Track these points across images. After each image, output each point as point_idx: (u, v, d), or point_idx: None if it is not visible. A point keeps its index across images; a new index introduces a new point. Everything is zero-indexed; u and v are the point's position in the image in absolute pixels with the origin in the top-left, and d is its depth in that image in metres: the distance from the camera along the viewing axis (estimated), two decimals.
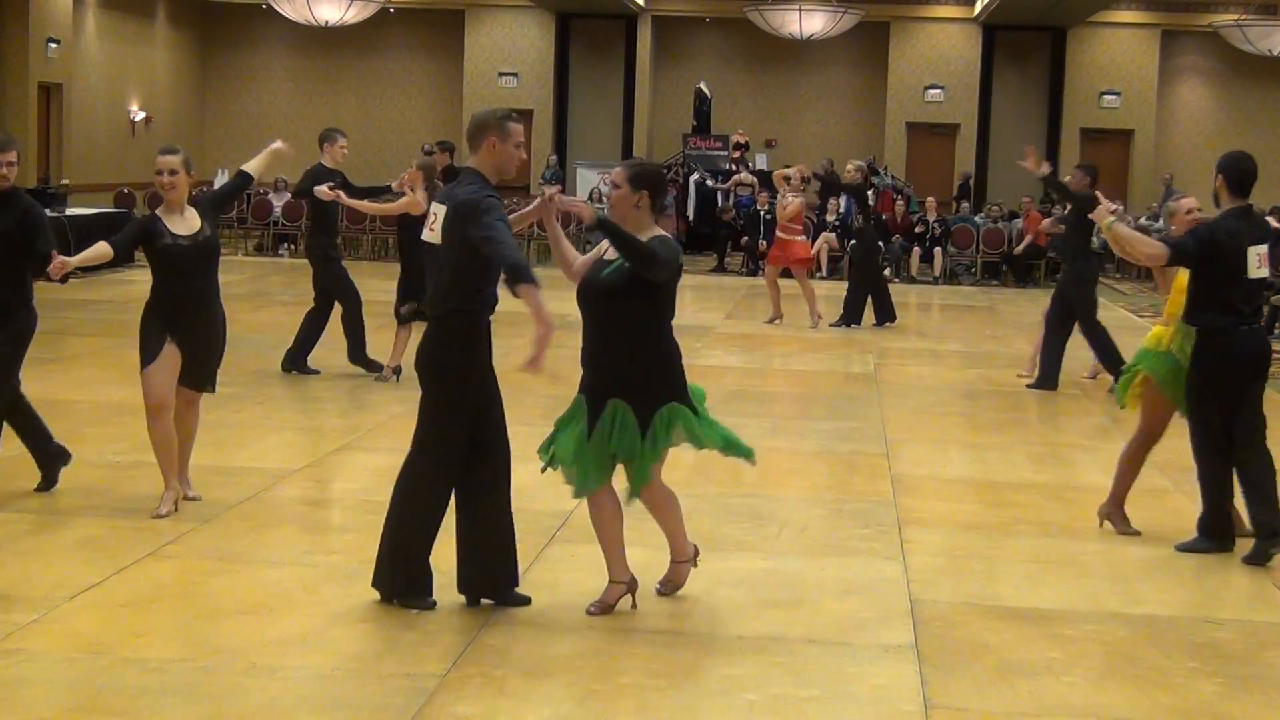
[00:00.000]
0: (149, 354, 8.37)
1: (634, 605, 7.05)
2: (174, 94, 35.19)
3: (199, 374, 8.61)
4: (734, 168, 31.11)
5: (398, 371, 13.41)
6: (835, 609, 7.30)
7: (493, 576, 7.01)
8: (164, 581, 7.35)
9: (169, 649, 6.35)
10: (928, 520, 9.17)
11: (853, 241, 21.11)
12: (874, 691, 6.18)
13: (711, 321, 19.66)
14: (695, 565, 7.35)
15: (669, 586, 7.26)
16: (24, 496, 8.61)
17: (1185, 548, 8.48)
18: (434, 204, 6.91)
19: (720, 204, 30.06)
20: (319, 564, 7.77)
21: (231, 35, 36.85)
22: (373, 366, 13.69)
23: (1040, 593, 7.73)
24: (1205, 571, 8.24)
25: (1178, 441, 8.93)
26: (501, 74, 35.49)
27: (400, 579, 6.93)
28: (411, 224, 13.22)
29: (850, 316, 19.40)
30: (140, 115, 32.69)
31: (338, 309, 13.90)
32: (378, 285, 17.93)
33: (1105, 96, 35.23)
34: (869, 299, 19.52)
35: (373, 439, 11.08)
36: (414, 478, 6.95)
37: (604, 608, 6.96)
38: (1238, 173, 8.38)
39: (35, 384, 9.59)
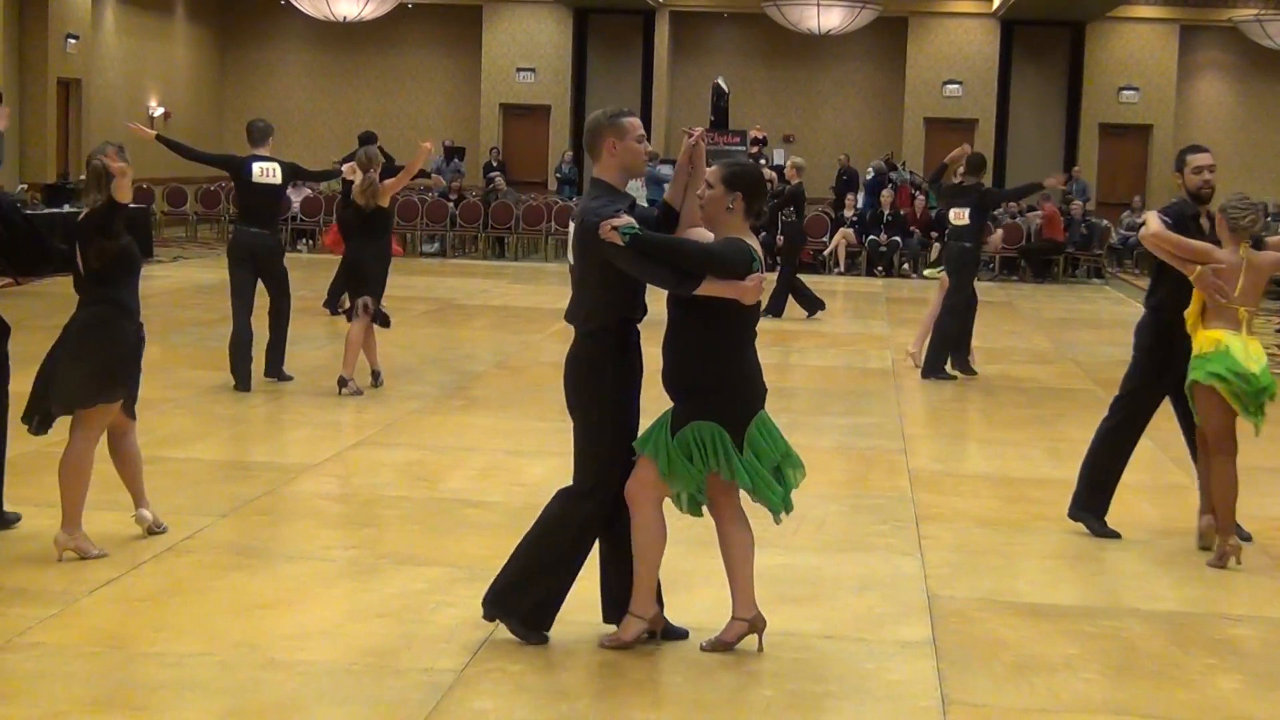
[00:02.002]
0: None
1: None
2: (193, 89, 35.24)
3: None
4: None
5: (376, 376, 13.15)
6: (853, 605, 7.29)
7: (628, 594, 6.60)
8: (182, 576, 7.37)
9: (187, 643, 6.37)
10: (945, 516, 9.16)
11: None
12: (891, 687, 6.18)
13: None
14: (656, 637, 6.53)
15: (611, 640, 6.51)
16: (43, 491, 8.61)
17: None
18: (572, 220, 6.40)
19: None
20: (337, 559, 7.79)
21: (250, 30, 36.90)
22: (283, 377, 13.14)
23: (1058, 589, 7.72)
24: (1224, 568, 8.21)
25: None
26: (519, 69, 35.49)
27: (526, 604, 6.47)
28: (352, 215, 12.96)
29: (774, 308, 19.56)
30: (159, 110, 32.74)
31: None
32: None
33: (1124, 92, 35.12)
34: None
35: (390, 435, 11.09)
36: (560, 508, 6.49)
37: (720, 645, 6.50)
38: None
39: None
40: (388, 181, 12.97)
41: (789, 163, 20.53)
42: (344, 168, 13.50)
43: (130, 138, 11.19)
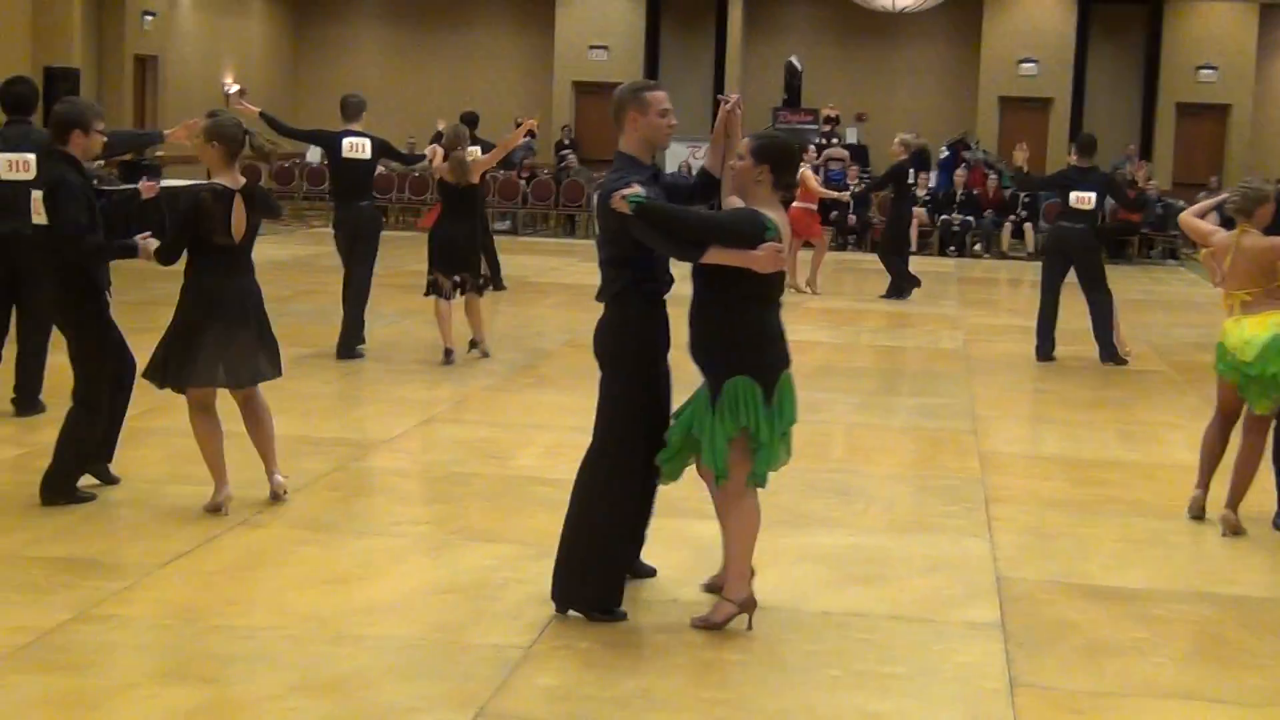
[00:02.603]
0: None
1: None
2: (267, 66, 35.47)
3: None
4: (824, 141, 30.97)
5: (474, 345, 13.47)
6: (921, 586, 7.27)
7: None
8: (254, 550, 7.44)
9: (258, 617, 6.43)
10: (1016, 498, 9.11)
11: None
12: (959, 669, 6.16)
13: (800, 296, 19.59)
14: (749, 619, 6.51)
15: (701, 621, 6.51)
16: (116, 465, 8.70)
17: None
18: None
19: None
20: (407, 534, 7.83)
21: (324, 7, 37.08)
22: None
23: (1128, 572, 7.67)
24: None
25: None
26: (592, 47, 35.49)
27: (590, 590, 6.55)
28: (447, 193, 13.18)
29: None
30: (235, 87, 32.97)
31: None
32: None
33: (1202, 71, 34.72)
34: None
35: (460, 411, 11.13)
36: (594, 480, 6.57)
37: (707, 624, 6.53)
38: None
39: None
40: (479, 159, 13.15)
41: (896, 139, 20.25)
42: (428, 150, 13.66)
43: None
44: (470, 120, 18.22)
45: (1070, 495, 9.28)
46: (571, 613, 6.56)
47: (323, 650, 6.05)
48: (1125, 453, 10.64)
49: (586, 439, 6.70)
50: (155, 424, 9.71)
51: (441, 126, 13.99)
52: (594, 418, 6.58)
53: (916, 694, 5.89)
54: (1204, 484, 8.72)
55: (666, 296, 6.55)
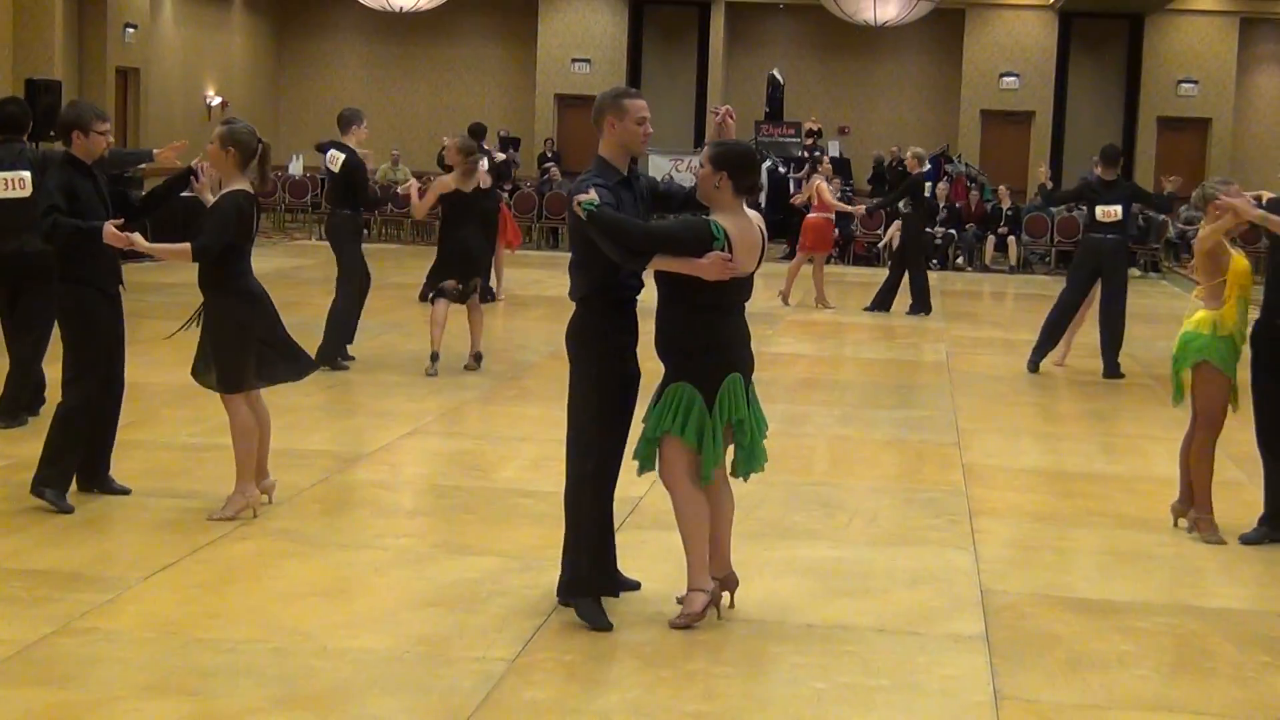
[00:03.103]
0: None
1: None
2: (250, 79, 35.42)
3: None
4: (807, 154, 31.03)
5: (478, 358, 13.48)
6: (905, 599, 7.28)
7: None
8: (237, 563, 7.42)
9: (242, 630, 6.41)
10: (999, 510, 9.12)
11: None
12: (944, 682, 6.16)
13: (783, 309, 19.62)
14: (718, 608, 6.71)
15: (680, 620, 6.64)
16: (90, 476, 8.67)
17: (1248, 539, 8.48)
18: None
19: (793, 191, 29.98)
20: (390, 547, 7.82)
21: (306, 21, 37.05)
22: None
23: (1112, 584, 7.68)
24: (1279, 564, 8.16)
25: (1249, 433, 8.83)
26: (574, 60, 35.51)
27: (592, 581, 6.71)
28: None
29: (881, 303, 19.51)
30: (216, 100, 32.92)
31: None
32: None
33: (1183, 85, 34.85)
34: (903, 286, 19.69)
35: (444, 424, 11.13)
36: (578, 479, 6.72)
37: (689, 619, 6.66)
38: None
39: None
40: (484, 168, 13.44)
41: (909, 152, 20.21)
42: (405, 186, 13.83)
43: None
44: (478, 132, 18.32)
45: (1053, 508, 9.29)
46: (556, 625, 6.56)
47: (306, 663, 6.04)
48: (1107, 465, 10.67)
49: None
50: (138, 436, 9.68)
51: (447, 143, 14.11)
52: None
53: (901, 707, 5.89)
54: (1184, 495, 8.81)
55: (639, 299, 6.69)
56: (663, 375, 6.64)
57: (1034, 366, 14.76)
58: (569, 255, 6.74)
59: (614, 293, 6.63)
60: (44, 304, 9.60)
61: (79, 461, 8.34)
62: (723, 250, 6.43)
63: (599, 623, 6.58)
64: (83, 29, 27.72)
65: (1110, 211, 14.45)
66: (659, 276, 6.54)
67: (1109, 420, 12.60)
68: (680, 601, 6.76)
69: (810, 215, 20.11)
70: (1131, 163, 34.23)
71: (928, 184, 25.99)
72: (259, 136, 8.23)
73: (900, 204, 20.42)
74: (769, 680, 6.10)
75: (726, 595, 6.80)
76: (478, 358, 13.43)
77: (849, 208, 22.56)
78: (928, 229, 26.38)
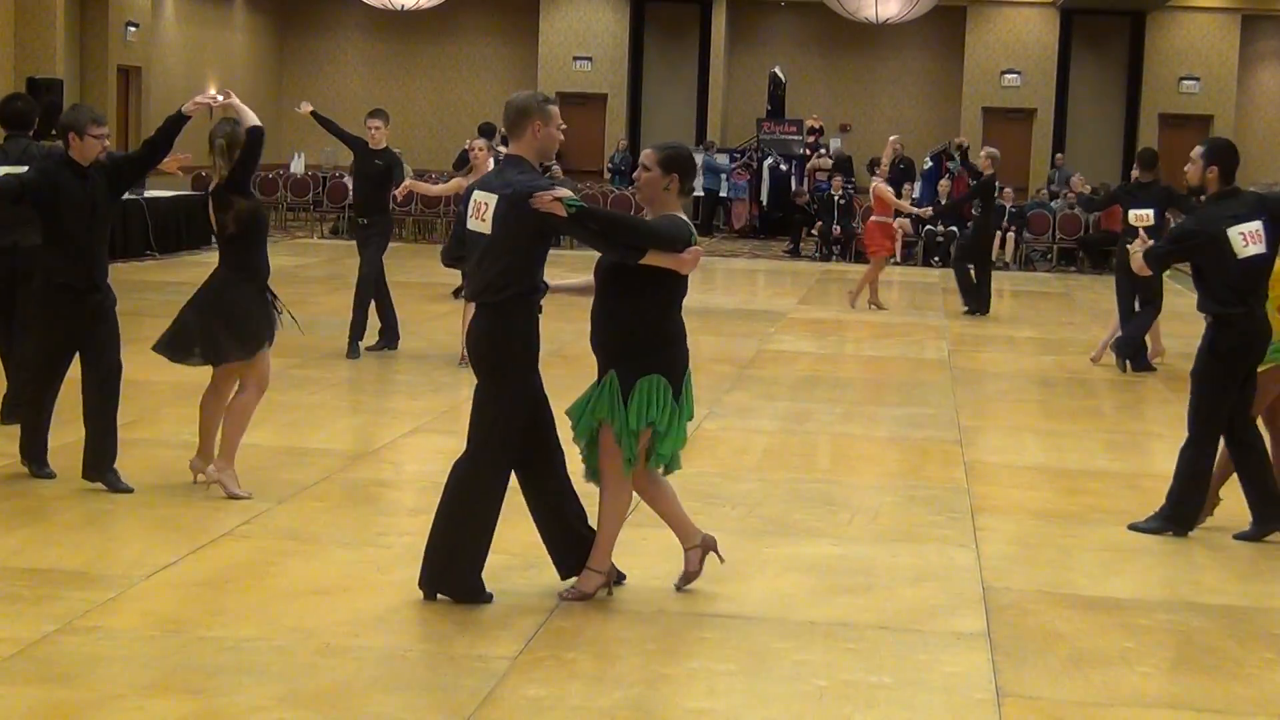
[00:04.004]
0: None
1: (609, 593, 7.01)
2: (251, 78, 35.41)
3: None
4: (809, 152, 31.02)
5: None
6: (907, 595, 7.27)
7: (584, 554, 6.99)
8: (239, 561, 7.42)
9: (244, 628, 6.41)
10: (1001, 507, 9.12)
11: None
12: (946, 679, 6.16)
13: (785, 307, 19.62)
14: (610, 589, 7.00)
15: (571, 593, 6.92)
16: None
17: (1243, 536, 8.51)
18: (477, 191, 6.81)
19: (794, 188, 29.99)
20: (392, 545, 7.82)
21: (308, 19, 37.07)
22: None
23: (1114, 582, 7.68)
24: None
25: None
26: (576, 58, 35.51)
27: (471, 581, 6.80)
28: None
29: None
30: (219, 97, 32.91)
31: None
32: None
33: (1184, 82, 34.85)
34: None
35: (445, 422, 11.12)
36: (473, 479, 6.81)
37: (580, 595, 6.92)
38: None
39: None
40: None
41: (983, 152, 20.08)
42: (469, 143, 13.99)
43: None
44: (487, 132, 18.32)
45: (1056, 505, 9.29)
46: (558, 624, 6.56)
47: (309, 661, 6.04)
48: (1110, 462, 10.66)
49: (570, 449, 6.80)
50: (138, 435, 9.68)
51: (469, 145, 14.36)
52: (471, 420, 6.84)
53: (903, 704, 5.89)
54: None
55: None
56: (610, 368, 6.73)
57: (1122, 366, 14.70)
58: (480, 256, 6.73)
59: (533, 299, 6.74)
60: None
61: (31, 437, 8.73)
62: (697, 245, 6.74)
63: (480, 599, 6.78)
64: (84, 27, 27.74)
65: (1142, 216, 14.29)
66: (615, 274, 6.70)
67: (1111, 417, 12.60)
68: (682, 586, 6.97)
69: (872, 219, 20.06)
70: (1133, 160, 34.21)
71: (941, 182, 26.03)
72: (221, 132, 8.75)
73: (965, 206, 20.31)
74: (771, 677, 6.10)
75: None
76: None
77: (914, 210, 22.46)
78: (927, 225, 26.43)
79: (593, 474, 6.95)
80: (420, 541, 7.84)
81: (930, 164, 30.31)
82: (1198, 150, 8.65)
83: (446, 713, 5.59)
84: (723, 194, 31.14)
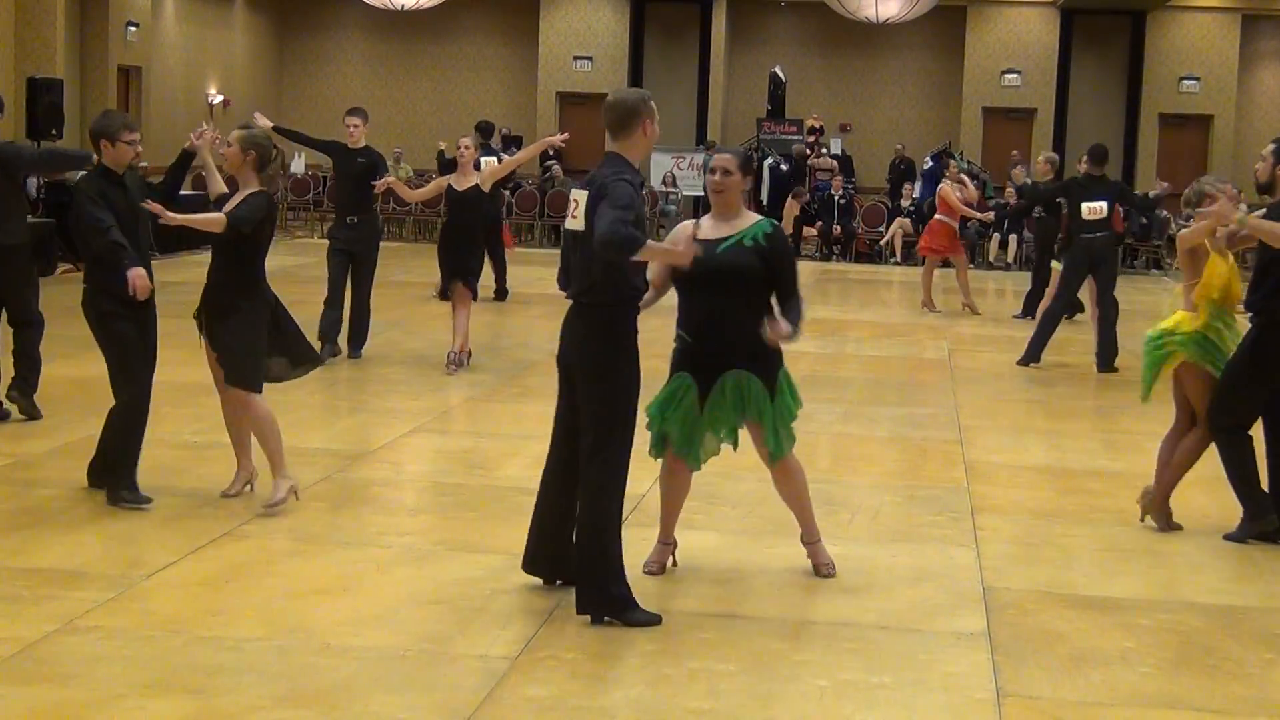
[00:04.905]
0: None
1: (675, 564, 7.36)
2: (251, 77, 35.41)
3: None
4: (810, 151, 31.03)
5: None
6: (908, 595, 7.27)
7: (559, 566, 6.98)
8: (240, 561, 7.42)
9: (245, 628, 6.41)
10: (1001, 507, 9.12)
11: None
12: (946, 679, 6.16)
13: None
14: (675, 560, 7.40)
15: (824, 569, 7.44)
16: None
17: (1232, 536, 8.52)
18: (574, 189, 6.62)
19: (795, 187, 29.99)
20: (393, 545, 7.82)
21: (308, 19, 37.04)
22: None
23: (1114, 581, 7.68)
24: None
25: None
26: (576, 58, 35.48)
27: (616, 597, 6.60)
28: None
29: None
30: (218, 98, 32.92)
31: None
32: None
33: (1185, 82, 34.82)
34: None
35: (446, 422, 11.13)
36: (610, 478, 6.63)
37: (657, 567, 7.26)
38: None
39: None
40: (494, 167, 13.42)
41: (1042, 156, 19.86)
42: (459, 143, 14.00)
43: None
44: (485, 130, 18.28)
45: (1056, 505, 9.29)
46: (558, 623, 6.57)
47: (309, 661, 6.04)
48: (1110, 462, 10.66)
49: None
50: None
51: (443, 146, 14.34)
52: (584, 425, 6.64)
53: (904, 704, 5.89)
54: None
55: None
56: (737, 368, 7.07)
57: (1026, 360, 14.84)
58: (583, 249, 6.53)
59: (639, 295, 6.65)
60: (32, 294, 10.60)
61: (137, 455, 8.49)
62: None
63: (650, 619, 6.60)
64: (84, 27, 27.71)
65: (1095, 209, 14.58)
66: (755, 275, 7.01)
67: (1111, 417, 12.60)
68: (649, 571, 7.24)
69: (935, 219, 20.07)
70: (1134, 160, 34.26)
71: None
72: (274, 145, 8.57)
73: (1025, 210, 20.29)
74: (772, 678, 6.10)
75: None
76: (451, 357, 13.34)
77: (978, 215, 22.36)
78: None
79: (695, 463, 7.25)
80: (421, 541, 7.86)
81: (930, 164, 30.33)
82: (1269, 148, 8.67)
83: (447, 712, 5.59)
84: None
